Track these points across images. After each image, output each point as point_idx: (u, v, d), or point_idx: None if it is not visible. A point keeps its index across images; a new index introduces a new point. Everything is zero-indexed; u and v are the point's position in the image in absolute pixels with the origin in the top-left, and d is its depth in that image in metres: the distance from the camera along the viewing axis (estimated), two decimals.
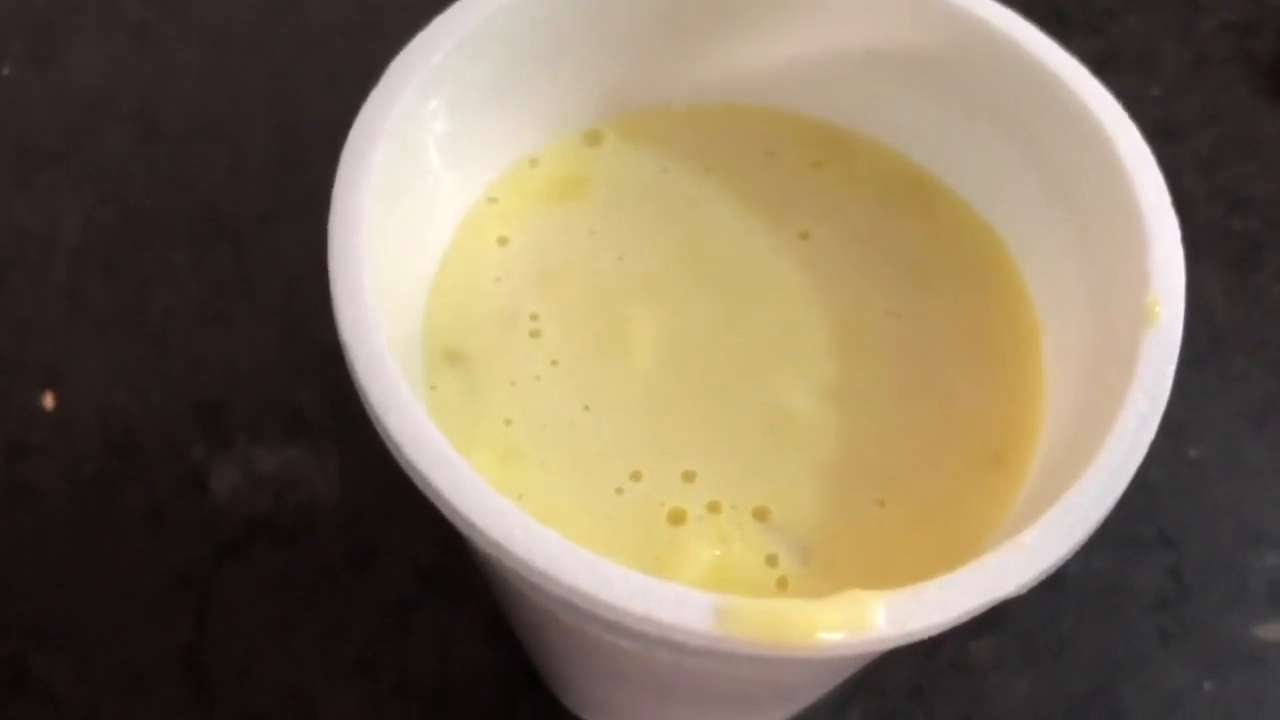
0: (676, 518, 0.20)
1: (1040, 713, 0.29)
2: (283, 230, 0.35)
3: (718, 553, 0.20)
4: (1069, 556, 0.17)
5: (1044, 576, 0.17)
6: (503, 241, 0.23)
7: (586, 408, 0.21)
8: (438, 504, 0.17)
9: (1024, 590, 0.17)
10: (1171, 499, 0.32)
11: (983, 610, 0.16)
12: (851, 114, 0.25)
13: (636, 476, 0.20)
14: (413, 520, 0.30)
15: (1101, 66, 0.22)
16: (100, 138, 0.37)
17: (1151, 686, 0.29)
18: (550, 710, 0.28)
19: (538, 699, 0.28)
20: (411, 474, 0.17)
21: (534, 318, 0.22)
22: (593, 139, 0.24)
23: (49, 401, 0.32)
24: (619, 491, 0.20)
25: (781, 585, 0.20)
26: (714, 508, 0.20)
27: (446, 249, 0.23)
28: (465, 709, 0.28)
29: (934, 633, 0.16)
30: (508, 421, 0.21)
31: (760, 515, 0.20)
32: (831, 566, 0.20)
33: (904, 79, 0.23)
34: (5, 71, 0.38)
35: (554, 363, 0.22)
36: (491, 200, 0.23)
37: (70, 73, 0.38)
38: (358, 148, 0.20)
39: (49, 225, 0.35)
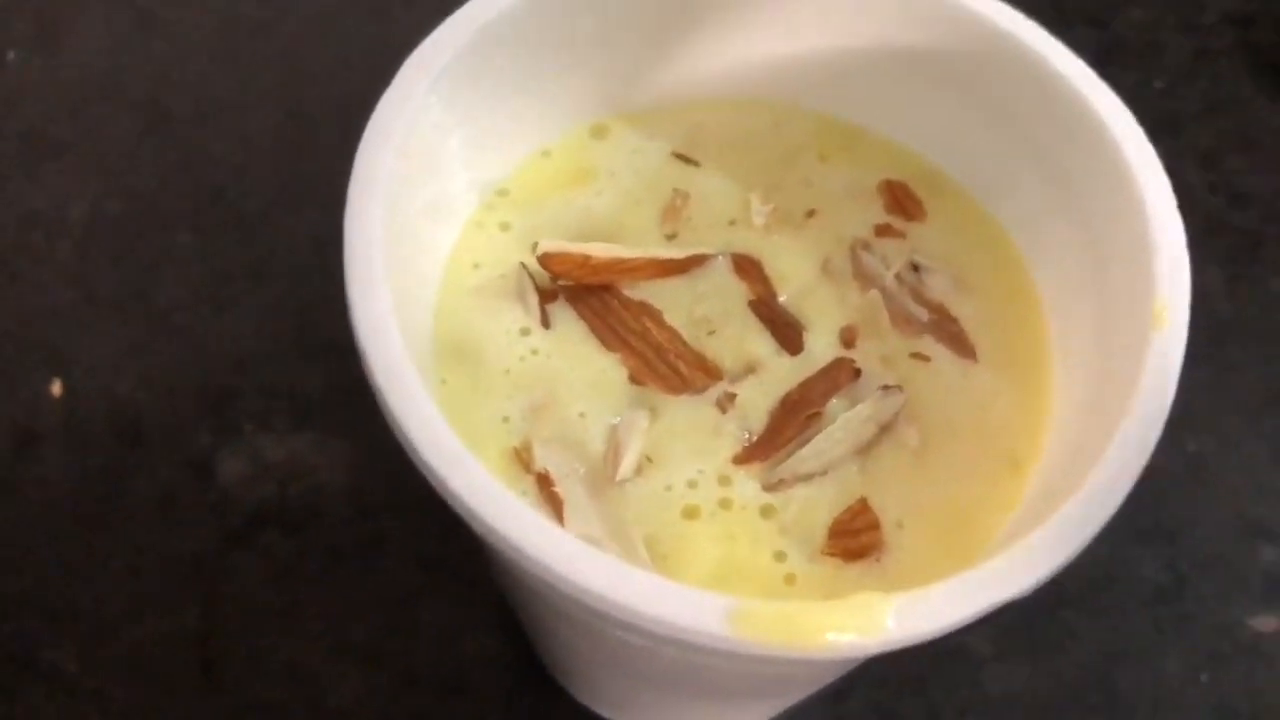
0: (690, 513, 0.20)
1: (1038, 703, 0.29)
2: (290, 217, 0.35)
3: (725, 549, 0.20)
4: (1074, 558, 0.17)
5: (1048, 579, 0.17)
6: (504, 227, 0.23)
7: (581, 398, 0.21)
8: (456, 508, 0.17)
9: (1028, 593, 0.17)
10: (1170, 492, 0.32)
11: (988, 613, 0.17)
12: (860, 111, 0.25)
13: (643, 472, 0.21)
14: (420, 510, 0.30)
15: (1104, 60, 0.22)
16: (106, 124, 0.37)
17: (1149, 678, 0.30)
18: (557, 699, 0.29)
19: (544, 688, 0.29)
20: (429, 476, 0.17)
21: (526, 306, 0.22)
22: (599, 132, 0.25)
23: (56, 389, 0.32)
24: (621, 486, 0.20)
25: (789, 581, 0.20)
26: (725, 504, 0.20)
27: (456, 242, 0.23)
28: (472, 698, 0.29)
29: (940, 635, 0.17)
30: (505, 419, 0.21)
31: (767, 513, 0.20)
32: (841, 564, 0.20)
33: (903, 75, 0.24)
34: (10, 56, 0.38)
35: (535, 352, 0.22)
36: (502, 193, 0.24)
37: (76, 57, 0.38)
38: (371, 151, 0.20)
39: (56, 212, 0.35)
